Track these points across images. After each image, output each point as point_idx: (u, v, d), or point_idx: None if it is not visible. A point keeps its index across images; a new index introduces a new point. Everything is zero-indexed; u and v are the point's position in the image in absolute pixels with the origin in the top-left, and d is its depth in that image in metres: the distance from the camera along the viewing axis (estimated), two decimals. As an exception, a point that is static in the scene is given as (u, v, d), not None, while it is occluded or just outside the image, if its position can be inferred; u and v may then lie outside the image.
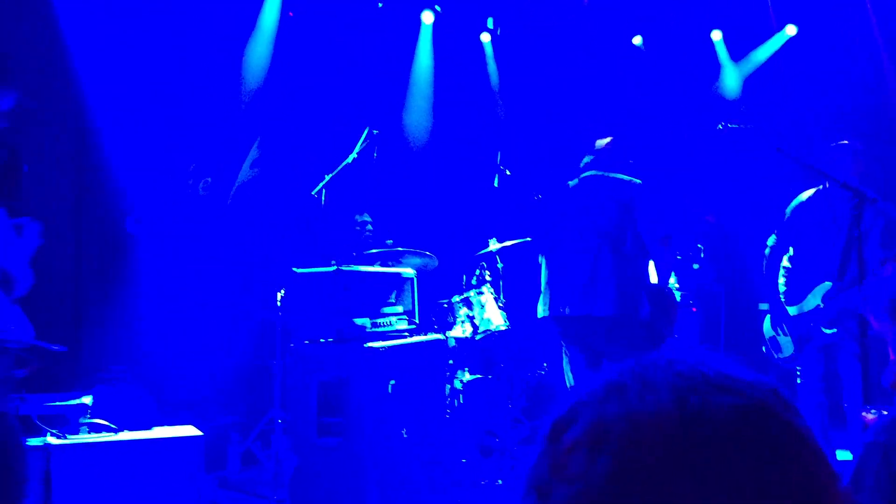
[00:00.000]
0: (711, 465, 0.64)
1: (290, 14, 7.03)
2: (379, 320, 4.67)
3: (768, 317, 5.32)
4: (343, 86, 7.16)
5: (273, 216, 6.66)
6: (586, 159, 5.02)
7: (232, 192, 6.73)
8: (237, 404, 6.03)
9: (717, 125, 4.42)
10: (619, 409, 0.68)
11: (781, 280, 5.29)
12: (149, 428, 4.16)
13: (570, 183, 4.96)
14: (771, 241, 5.27)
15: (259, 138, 6.80)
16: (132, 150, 5.87)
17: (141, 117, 5.93)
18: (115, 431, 4.02)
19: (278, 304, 5.40)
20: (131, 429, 4.09)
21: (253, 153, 6.91)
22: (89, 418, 4.03)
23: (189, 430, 4.24)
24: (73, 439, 3.90)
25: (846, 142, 5.19)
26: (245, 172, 6.85)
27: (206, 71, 6.34)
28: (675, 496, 0.63)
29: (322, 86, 7.05)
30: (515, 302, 6.19)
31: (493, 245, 6.06)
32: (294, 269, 4.76)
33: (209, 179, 6.65)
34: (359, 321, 4.52)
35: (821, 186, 5.14)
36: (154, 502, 3.93)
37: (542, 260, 4.99)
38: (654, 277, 4.92)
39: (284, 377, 5.24)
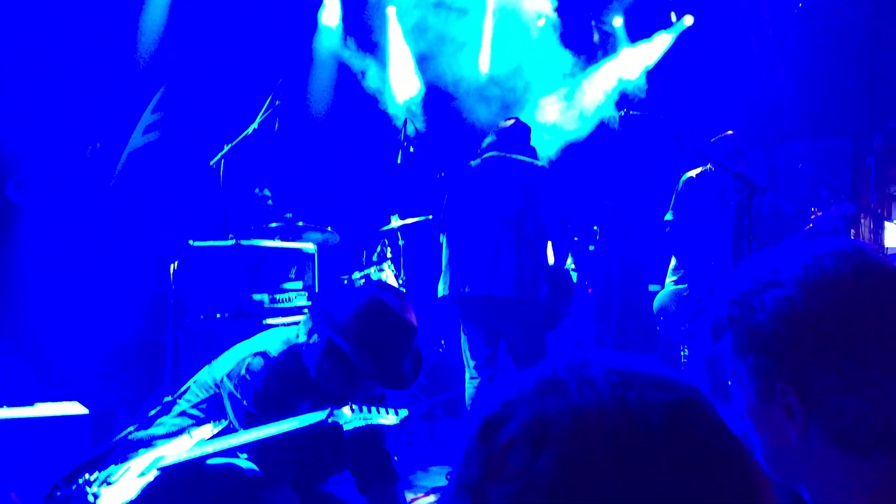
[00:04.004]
0: (653, 456, 0.65)
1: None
2: (278, 296, 4.59)
3: (659, 294, 5.51)
4: (245, 53, 6.94)
5: (168, 185, 6.41)
6: (489, 139, 5.04)
7: (123, 159, 6.45)
8: (126, 380, 5.80)
9: (620, 111, 4.52)
10: (559, 403, 0.68)
11: (674, 261, 5.47)
12: (31, 405, 3.96)
13: (473, 163, 4.98)
14: (668, 216, 5.44)
15: (153, 103, 6.52)
16: (15, 111, 5.53)
17: (26, 76, 5.58)
18: (-6, 409, 3.81)
19: (171, 277, 5.22)
20: (12, 405, 3.88)
21: (146, 118, 6.63)
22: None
23: (74, 408, 4.06)
24: (-54, 417, 3.68)
25: (731, 132, 5.43)
26: (137, 138, 6.56)
27: (98, 29, 6.01)
28: (620, 487, 0.64)
29: (222, 53, 6.80)
30: (415, 279, 6.19)
31: (395, 222, 6.03)
32: (190, 241, 4.61)
33: (98, 144, 6.34)
34: (257, 297, 4.43)
35: (708, 167, 5.34)
36: (36, 484, 3.74)
37: (443, 239, 5.00)
38: (552, 258, 5.01)
39: (177, 353, 5.09)
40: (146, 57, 6.48)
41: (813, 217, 5.73)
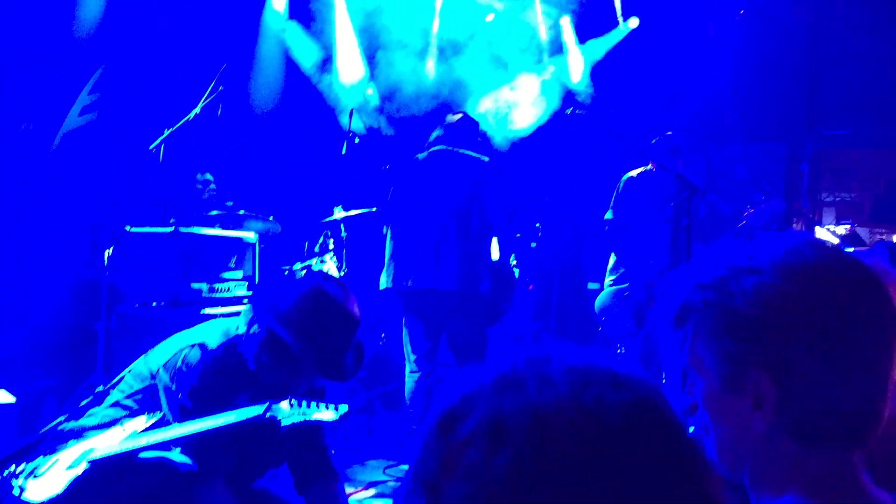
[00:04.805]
0: (609, 457, 0.65)
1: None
2: (217, 285, 4.50)
3: (601, 294, 5.56)
4: (188, 37, 6.78)
5: (105, 169, 6.23)
6: (436, 133, 5.03)
7: (57, 140, 6.24)
8: (55, 368, 5.63)
9: (566, 110, 4.56)
10: (518, 401, 0.68)
11: (613, 259, 5.53)
12: (-46, 393, 3.81)
13: (420, 156, 4.96)
14: (608, 215, 5.50)
15: (90, 84, 6.33)
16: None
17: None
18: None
19: (106, 263, 5.06)
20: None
21: (83, 99, 6.43)
22: None
23: (0, 396, 3.92)
24: None
25: (670, 132, 5.53)
26: (73, 119, 6.36)
27: (34, 4, 5.81)
28: (575, 487, 0.64)
29: (165, 35, 6.63)
30: (357, 272, 6.14)
31: (338, 213, 5.97)
32: (126, 227, 4.48)
33: (31, 125, 6.13)
34: (196, 286, 4.34)
35: (648, 167, 5.42)
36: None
37: (387, 231, 4.97)
38: (496, 254, 5.03)
39: (109, 341, 4.95)
40: (85, 35, 6.28)
41: (746, 214, 5.88)
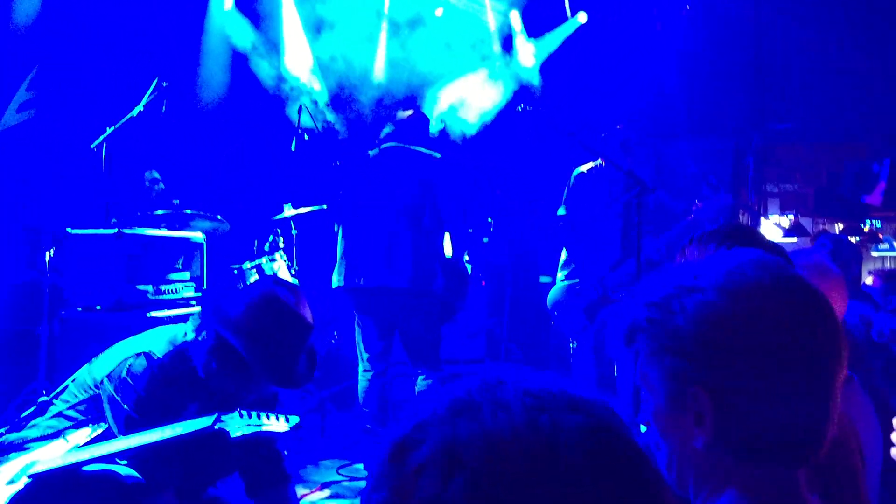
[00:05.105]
0: (566, 483, 0.65)
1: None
2: (164, 287, 4.40)
3: (553, 289, 5.57)
4: (131, 31, 6.60)
5: (45, 168, 6.04)
6: (387, 129, 4.99)
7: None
8: (-6, 373, 5.46)
9: (517, 107, 4.55)
10: (472, 428, 0.67)
11: (564, 254, 5.54)
12: None
13: (371, 153, 4.92)
14: (561, 211, 5.51)
15: (28, 79, 6.13)
16: None
17: None
18: None
19: (46, 265, 4.92)
20: None
21: (21, 95, 6.23)
22: None
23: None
24: None
25: (619, 126, 5.55)
26: (10, 117, 6.16)
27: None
28: None
29: (106, 28, 6.45)
30: (308, 270, 6.07)
31: (288, 211, 5.89)
32: (67, 229, 4.35)
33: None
34: (141, 287, 4.23)
35: (598, 162, 5.43)
36: None
37: (338, 229, 4.92)
38: (449, 250, 5.00)
39: (52, 346, 4.81)
40: (22, 29, 6.08)
41: (694, 209, 5.95)
